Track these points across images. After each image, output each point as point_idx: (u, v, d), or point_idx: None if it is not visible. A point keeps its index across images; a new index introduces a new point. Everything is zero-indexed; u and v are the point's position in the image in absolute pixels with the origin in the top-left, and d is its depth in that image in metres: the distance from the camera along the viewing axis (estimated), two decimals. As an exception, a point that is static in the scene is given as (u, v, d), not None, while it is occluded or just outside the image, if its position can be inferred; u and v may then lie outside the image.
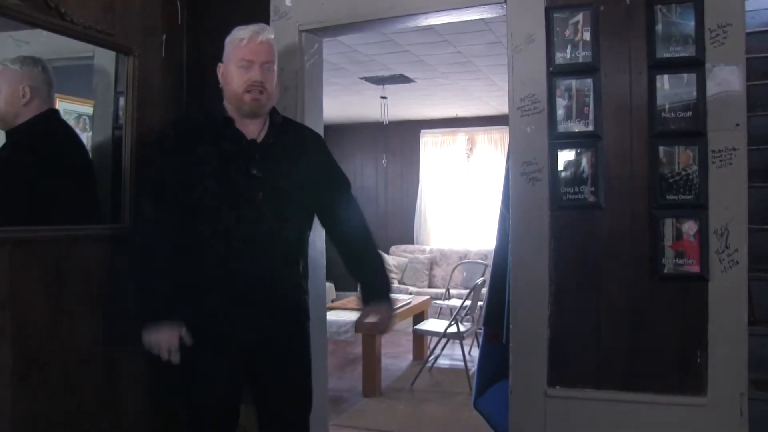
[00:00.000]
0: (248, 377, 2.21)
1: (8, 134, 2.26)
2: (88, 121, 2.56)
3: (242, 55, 2.09)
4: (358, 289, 2.31)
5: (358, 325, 2.23)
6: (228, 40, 2.17)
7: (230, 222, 2.05)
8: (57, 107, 2.33)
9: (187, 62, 2.87)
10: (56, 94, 2.38)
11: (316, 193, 2.24)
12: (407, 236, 8.92)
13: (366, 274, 2.28)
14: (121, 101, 2.56)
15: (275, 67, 2.17)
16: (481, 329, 3.02)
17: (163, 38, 2.73)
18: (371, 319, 2.28)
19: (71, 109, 2.50)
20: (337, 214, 2.29)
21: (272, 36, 2.16)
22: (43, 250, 2.16)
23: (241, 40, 2.10)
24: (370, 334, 1.94)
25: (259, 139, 2.15)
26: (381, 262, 2.32)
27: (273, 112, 2.22)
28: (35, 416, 2.12)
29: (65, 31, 2.24)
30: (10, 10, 2.02)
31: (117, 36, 2.46)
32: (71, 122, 2.48)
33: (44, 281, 2.16)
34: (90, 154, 2.52)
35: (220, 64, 2.19)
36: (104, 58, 2.54)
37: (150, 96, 2.61)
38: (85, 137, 2.56)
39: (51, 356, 2.18)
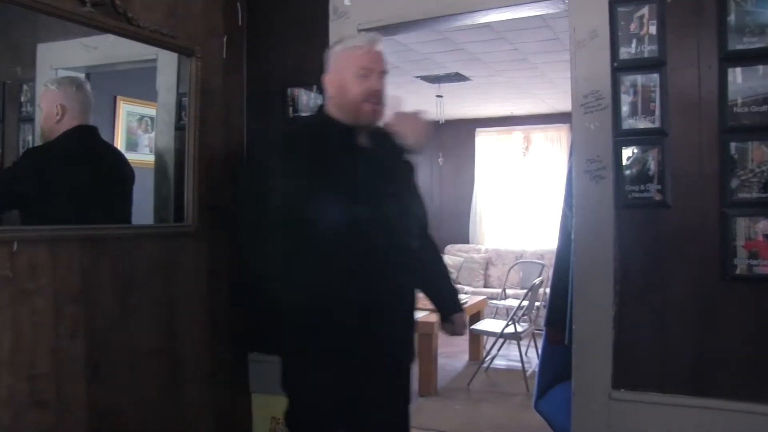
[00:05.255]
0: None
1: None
2: (150, 122, 2.63)
3: (361, 63, 1.94)
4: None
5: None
6: (339, 48, 2.01)
7: (367, 238, 1.87)
8: (90, 123, 2.34)
9: (248, 62, 2.92)
10: (119, 97, 2.45)
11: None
12: (462, 235, 8.86)
13: (440, 299, 2.32)
14: (184, 102, 2.63)
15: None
16: (540, 330, 2.97)
17: (224, 39, 2.79)
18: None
19: (135, 110, 2.57)
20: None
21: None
22: (111, 247, 2.24)
23: (358, 48, 1.96)
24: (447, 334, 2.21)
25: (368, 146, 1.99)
26: (450, 282, 2.35)
27: None
28: (106, 405, 2.21)
29: (132, 35, 2.32)
30: (84, 17, 2.12)
31: (179, 38, 2.53)
32: (134, 124, 2.56)
33: (112, 277, 2.24)
34: (129, 164, 2.49)
35: (327, 74, 2.01)
36: (167, 61, 2.61)
37: (211, 96, 2.67)
38: (147, 138, 2.63)
39: (118, 349, 2.26)
